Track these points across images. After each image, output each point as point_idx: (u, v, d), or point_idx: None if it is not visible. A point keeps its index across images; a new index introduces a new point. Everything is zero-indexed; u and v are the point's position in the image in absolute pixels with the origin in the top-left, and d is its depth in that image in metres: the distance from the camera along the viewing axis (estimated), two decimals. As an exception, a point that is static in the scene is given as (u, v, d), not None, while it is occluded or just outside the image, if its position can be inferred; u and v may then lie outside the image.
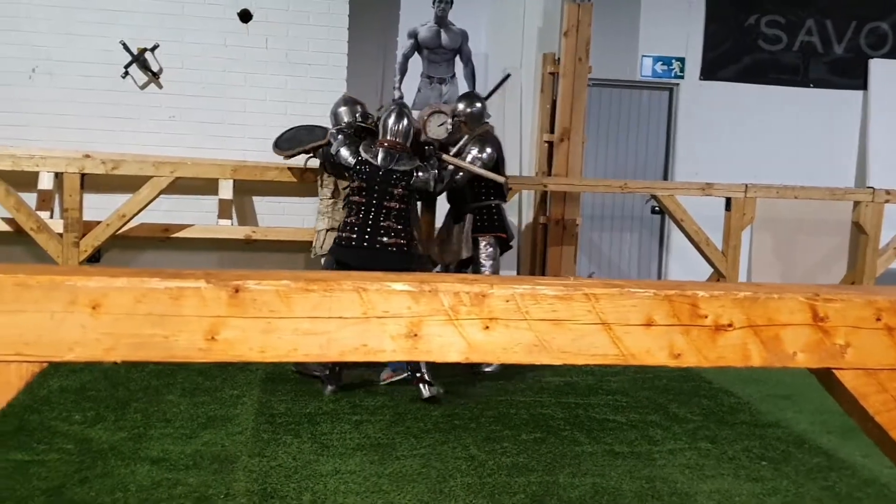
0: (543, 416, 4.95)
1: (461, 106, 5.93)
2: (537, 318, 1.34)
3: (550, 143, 7.62)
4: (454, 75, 7.42)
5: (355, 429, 4.57)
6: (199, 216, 6.87)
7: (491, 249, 5.85)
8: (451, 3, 7.17)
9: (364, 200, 5.22)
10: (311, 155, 5.96)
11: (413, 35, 7.22)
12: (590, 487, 3.90)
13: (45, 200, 6.74)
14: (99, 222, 6.27)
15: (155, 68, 6.98)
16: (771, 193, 7.32)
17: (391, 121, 5.39)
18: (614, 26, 8.38)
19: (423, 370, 5.10)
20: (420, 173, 5.32)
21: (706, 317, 1.38)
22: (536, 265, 7.77)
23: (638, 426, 4.82)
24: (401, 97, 6.97)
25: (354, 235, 5.18)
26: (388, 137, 5.35)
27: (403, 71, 7.25)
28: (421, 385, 5.10)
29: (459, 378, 5.50)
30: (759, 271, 8.20)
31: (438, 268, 6.02)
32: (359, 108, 5.81)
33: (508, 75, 7.09)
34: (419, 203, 5.96)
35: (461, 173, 5.64)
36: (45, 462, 3.89)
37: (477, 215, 5.84)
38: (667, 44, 8.72)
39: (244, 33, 7.12)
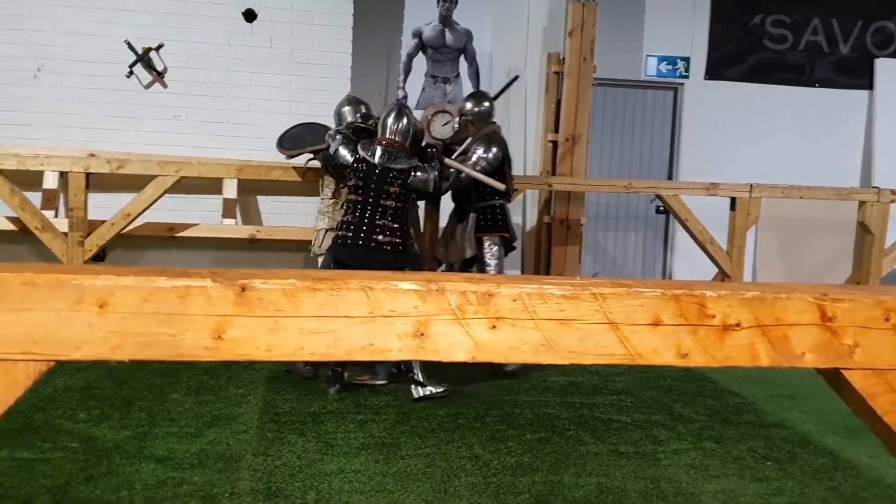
0: (548, 415, 4.94)
1: (469, 105, 5.89)
2: (544, 317, 1.34)
3: (555, 143, 7.61)
4: (458, 75, 7.40)
5: (360, 428, 4.58)
6: (203, 215, 6.88)
7: (495, 249, 5.81)
8: (456, 2, 7.15)
9: (360, 199, 5.19)
10: (312, 156, 5.97)
11: (417, 34, 7.21)
12: (594, 487, 3.90)
13: (49, 199, 6.76)
14: (104, 221, 6.28)
15: (160, 68, 6.99)
16: (776, 193, 7.30)
17: (390, 119, 5.36)
18: (619, 26, 8.37)
19: (417, 371, 5.09)
20: (419, 173, 5.29)
21: (714, 316, 1.37)
22: (541, 265, 7.76)
23: (643, 426, 4.81)
24: (405, 96, 6.95)
25: (350, 234, 5.16)
26: (387, 136, 5.33)
27: (408, 70, 7.24)
28: (413, 386, 5.10)
29: (465, 378, 5.49)
30: (764, 271, 8.18)
31: (443, 267, 6.01)
32: (362, 108, 5.80)
33: (517, 77, 7.06)
34: (423, 203, 5.94)
35: (463, 174, 5.62)
36: (51, 460, 3.89)
37: (480, 215, 5.82)
38: (672, 43, 8.71)
39: (249, 33, 7.13)
